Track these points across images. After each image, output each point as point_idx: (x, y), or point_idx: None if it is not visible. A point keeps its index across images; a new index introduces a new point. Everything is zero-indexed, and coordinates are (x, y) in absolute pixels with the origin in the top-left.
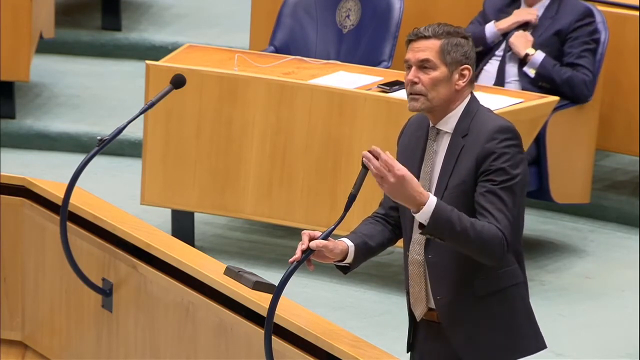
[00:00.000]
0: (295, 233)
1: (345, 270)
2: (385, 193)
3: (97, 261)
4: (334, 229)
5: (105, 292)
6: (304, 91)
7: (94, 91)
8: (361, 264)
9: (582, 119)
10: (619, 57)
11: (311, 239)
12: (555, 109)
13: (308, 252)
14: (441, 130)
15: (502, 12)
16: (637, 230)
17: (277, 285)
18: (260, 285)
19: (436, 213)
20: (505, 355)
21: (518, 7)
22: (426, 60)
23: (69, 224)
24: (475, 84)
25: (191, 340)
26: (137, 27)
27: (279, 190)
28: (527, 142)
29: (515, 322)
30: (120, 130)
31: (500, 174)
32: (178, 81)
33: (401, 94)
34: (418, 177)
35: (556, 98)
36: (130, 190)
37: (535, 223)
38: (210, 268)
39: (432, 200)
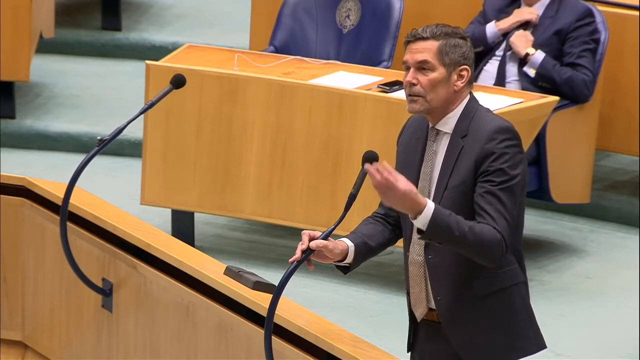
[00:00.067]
0: (295, 233)
1: (345, 270)
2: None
3: (97, 261)
4: (334, 229)
5: (105, 292)
6: (304, 91)
7: (94, 91)
8: (361, 264)
9: (582, 119)
10: (619, 57)
11: (311, 239)
12: (555, 109)
13: (308, 252)
14: (440, 130)
15: (502, 12)
16: (637, 230)
17: (277, 285)
18: (260, 285)
19: (434, 218)
20: (505, 355)
21: (518, 7)
22: (424, 62)
23: (69, 224)
24: (476, 83)
25: (191, 340)
26: (137, 27)
27: (279, 190)
28: (527, 142)
29: (515, 322)
30: (120, 130)
31: (499, 175)
32: (178, 81)
33: (401, 94)
34: (418, 178)
35: (556, 98)
36: (130, 190)
37: (535, 223)
38: (210, 268)
39: (430, 206)
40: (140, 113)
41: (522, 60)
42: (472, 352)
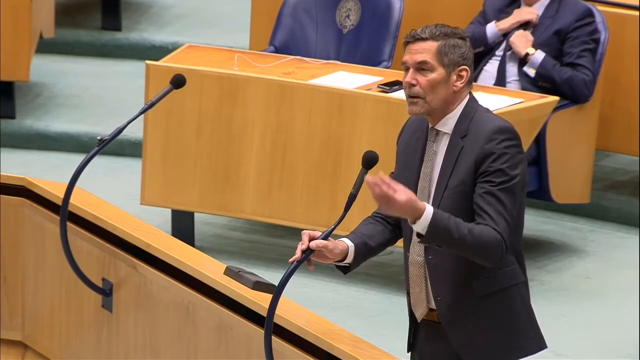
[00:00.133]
0: (295, 233)
1: (345, 270)
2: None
3: (97, 261)
4: (334, 229)
5: (105, 292)
6: (304, 91)
7: (94, 91)
8: (361, 264)
9: (582, 119)
10: (619, 57)
11: (311, 239)
12: (555, 109)
13: (308, 252)
14: (440, 131)
15: (502, 12)
16: (637, 230)
17: (277, 285)
18: (260, 285)
19: (433, 222)
20: (505, 355)
21: (518, 7)
22: (423, 63)
23: (69, 224)
24: (476, 83)
25: (191, 340)
26: (137, 27)
27: (279, 190)
28: (527, 142)
29: (515, 322)
30: (120, 130)
31: (499, 175)
32: (178, 81)
33: (401, 94)
34: (418, 178)
35: (556, 98)
36: (130, 190)
37: (535, 223)
38: (210, 268)
39: (429, 211)
40: (140, 113)
41: (522, 60)
42: (472, 352)
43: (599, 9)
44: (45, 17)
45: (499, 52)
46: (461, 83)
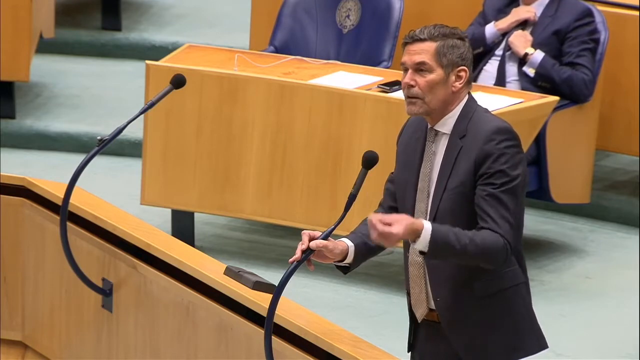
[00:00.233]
0: (295, 233)
1: (345, 270)
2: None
3: (97, 261)
4: (334, 229)
5: (105, 292)
6: (304, 91)
7: (94, 91)
8: (361, 264)
9: (582, 119)
10: (618, 57)
11: (311, 239)
12: (555, 109)
13: (308, 252)
14: (439, 131)
15: (502, 12)
16: (637, 230)
17: (277, 285)
18: (260, 285)
19: (433, 239)
20: (506, 355)
21: (517, 6)
22: (422, 63)
23: (69, 224)
24: (476, 83)
25: (191, 340)
26: (137, 27)
27: (279, 190)
28: (527, 143)
29: (516, 323)
30: (120, 130)
31: (500, 177)
32: (178, 81)
33: (401, 94)
34: (417, 178)
35: (556, 98)
36: (130, 190)
37: (535, 223)
38: (210, 268)
39: (427, 228)
40: (140, 113)
41: (522, 60)
42: (472, 352)
43: (598, 9)
44: (45, 17)
45: (499, 51)
46: (460, 83)
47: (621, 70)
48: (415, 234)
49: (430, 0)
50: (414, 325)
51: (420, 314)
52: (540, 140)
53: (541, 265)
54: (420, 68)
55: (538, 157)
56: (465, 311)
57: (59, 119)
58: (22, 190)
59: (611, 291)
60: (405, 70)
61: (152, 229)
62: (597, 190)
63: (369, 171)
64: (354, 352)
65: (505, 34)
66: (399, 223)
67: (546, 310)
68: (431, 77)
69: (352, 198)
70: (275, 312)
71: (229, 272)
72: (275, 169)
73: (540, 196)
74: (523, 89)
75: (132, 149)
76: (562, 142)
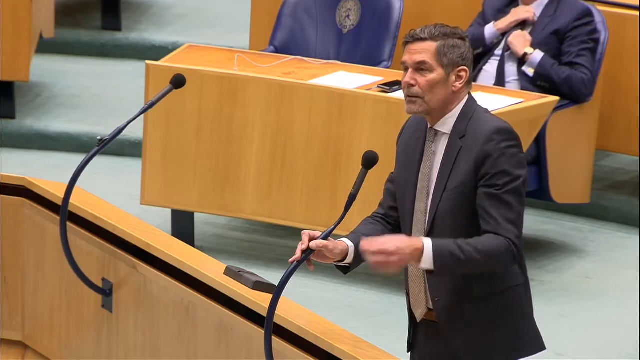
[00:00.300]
0: (295, 233)
1: (345, 270)
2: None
3: (97, 261)
4: (334, 229)
5: (105, 292)
6: (304, 91)
7: (94, 91)
8: (361, 264)
9: (582, 119)
10: (618, 57)
11: (311, 239)
12: (555, 109)
13: (308, 252)
14: (439, 131)
15: (501, 13)
16: (637, 230)
17: (277, 285)
18: (260, 285)
19: (437, 254)
20: (505, 356)
21: (516, 6)
22: (423, 63)
23: (69, 224)
24: (476, 83)
25: (191, 340)
26: (137, 27)
27: (279, 190)
28: (527, 143)
29: (514, 323)
30: (120, 130)
31: (501, 177)
32: (178, 81)
33: (401, 94)
34: (417, 178)
35: (556, 98)
36: (130, 190)
37: (535, 223)
38: (210, 268)
39: (427, 245)
40: (140, 113)
41: (521, 60)
42: (471, 352)
43: (598, 8)
44: (45, 17)
45: (498, 51)
46: (460, 83)
47: (621, 70)
48: (417, 253)
49: (430, 0)
50: (414, 325)
51: (419, 314)
52: (540, 140)
53: (541, 265)
54: (420, 67)
55: (538, 157)
56: (464, 311)
57: (59, 119)
58: (22, 190)
59: (611, 291)
60: (406, 69)
61: (152, 229)
62: (597, 190)
63: (369, 171)
64: (354, 352)
65: (504, 34)
66: (395, 249)
67: (546, 310)
68: (431, 76)
69: (352, 198)
70: (275, 312)
71: (229, 272)
72: (275, 169)
73: (540, 196)
74: (522, 88)
75: (132, 149)
76: (562, 142)
